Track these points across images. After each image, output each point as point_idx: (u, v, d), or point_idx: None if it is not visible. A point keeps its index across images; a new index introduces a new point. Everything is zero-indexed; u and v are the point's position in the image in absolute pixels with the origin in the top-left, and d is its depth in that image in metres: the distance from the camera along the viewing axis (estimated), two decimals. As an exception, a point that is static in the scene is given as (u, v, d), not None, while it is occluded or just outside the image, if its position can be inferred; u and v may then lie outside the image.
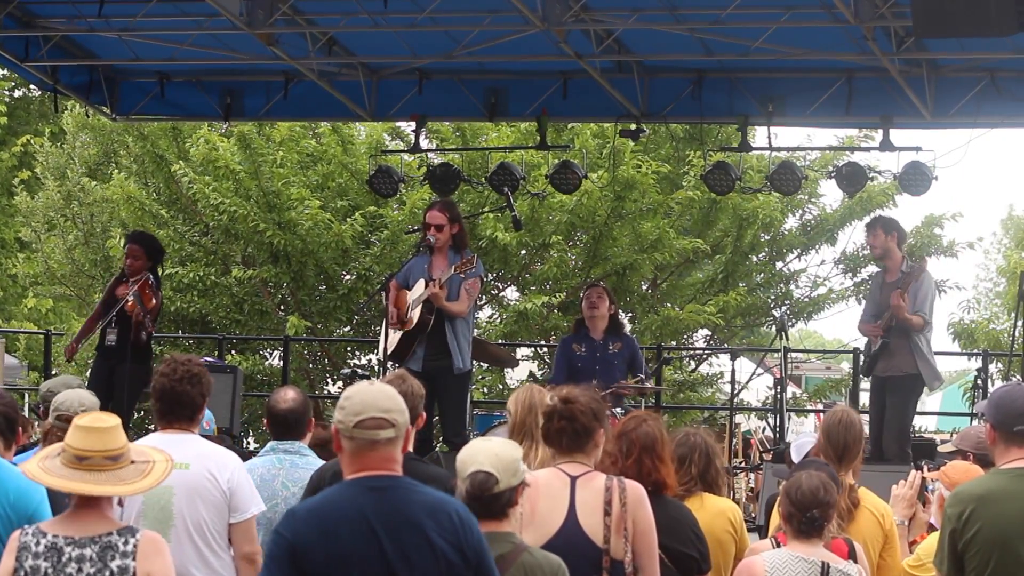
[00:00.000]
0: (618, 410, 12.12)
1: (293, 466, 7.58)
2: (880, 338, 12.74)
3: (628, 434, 6.71)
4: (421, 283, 12.10)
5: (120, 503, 6.56)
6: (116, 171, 21.62)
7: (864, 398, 14.73)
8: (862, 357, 13.39)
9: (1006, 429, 6.26)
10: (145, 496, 6.67)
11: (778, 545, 6.59)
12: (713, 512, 7.23)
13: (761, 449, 19.91)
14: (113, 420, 5.31)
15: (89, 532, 5.20)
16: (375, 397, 5.10)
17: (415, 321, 12.09)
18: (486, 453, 5.59)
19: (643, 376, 12.85)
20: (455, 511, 5.06)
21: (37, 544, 5.19)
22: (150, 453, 5.39)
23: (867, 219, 21.18)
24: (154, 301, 13.14)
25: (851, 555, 6.65)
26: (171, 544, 6.64)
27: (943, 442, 13.23)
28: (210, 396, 7.03)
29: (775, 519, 7.17)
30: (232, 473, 6.84)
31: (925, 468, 8.23)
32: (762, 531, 8.45)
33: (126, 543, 5.20)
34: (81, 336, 13.83)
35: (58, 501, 5.87)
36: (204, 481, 6.76)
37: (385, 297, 12.82)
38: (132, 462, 5.29)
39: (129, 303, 12.90)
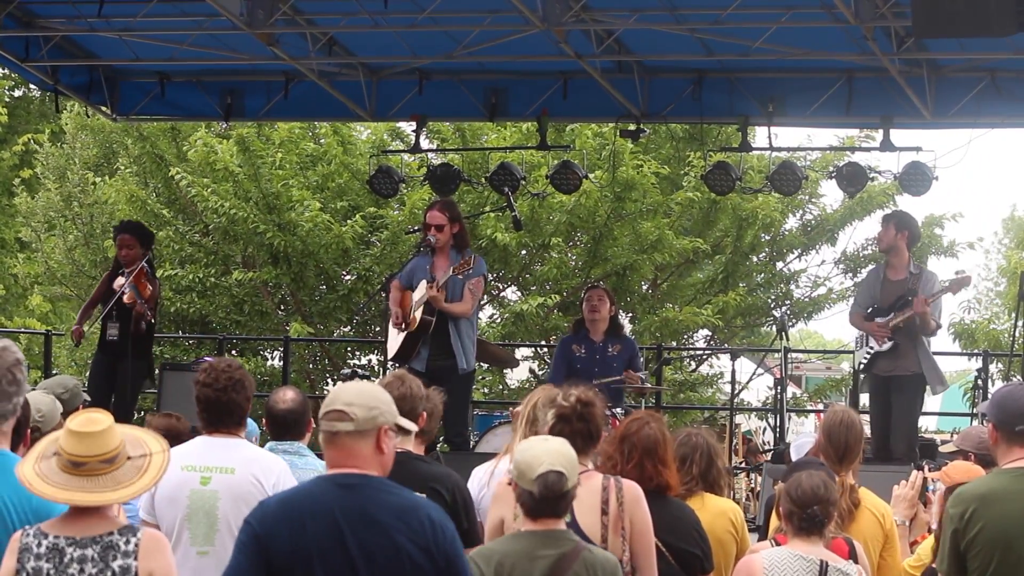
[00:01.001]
0: (618, 410, 12.11)
1: (292, 466, 7.55)
2: (888, 339, 12.70)
3: (630, 437, 6.70)
4: (423, 284, 12.11)
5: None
6: (115, 172, 21.63)
7: (864, 398, 14.70)
8: (856, 355, 13.24)
9: (1008, 429, 6.26)
10: (190, 500, 6.69)
11: (777, 545, 6.59)
12: (714, 512, 7.22)
13: (759, 450, 19.89)
14: (106, 420, 5.24)
15: (90, 532, 5.18)
16: (344, 391, 5.12)
17: (417, 322, 12.11)
18: (552, 453, 5.63)
19: (643, 376, 12.85)
20: (427, 514, 5.05)
21: (39, 545, 5.16)
22: (147, 443, 5.33)
23: (868, 219, 21.30)
24: (150, 288, 13.14)
25: (851, 555, 6.64)
26: (216, 548, 6.65)
27: (943, 442, 13.20)
28: (252, 397, 6.99)
29: (775, 519, 7.17)
30: (278, 478, 6.79)
31: (926, 468, 8.22)
32: (762, 531, 8.45)
33: (127, 542, 5.18)
34: (82, 318, 13.80)
35: None
36: (249, 486, 6.72)
37: (386, 297, 12.99)
38: (129, 458, 5.25)
39: (127, 295, 12.91)
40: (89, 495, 5.14)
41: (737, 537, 7.28)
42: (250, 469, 6.76)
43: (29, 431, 6.58)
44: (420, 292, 12.10)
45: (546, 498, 5.60)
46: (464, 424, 12.35)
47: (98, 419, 5.23)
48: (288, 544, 4.98)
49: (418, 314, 12.08)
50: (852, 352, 13.48)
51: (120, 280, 13.10)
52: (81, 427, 5.19)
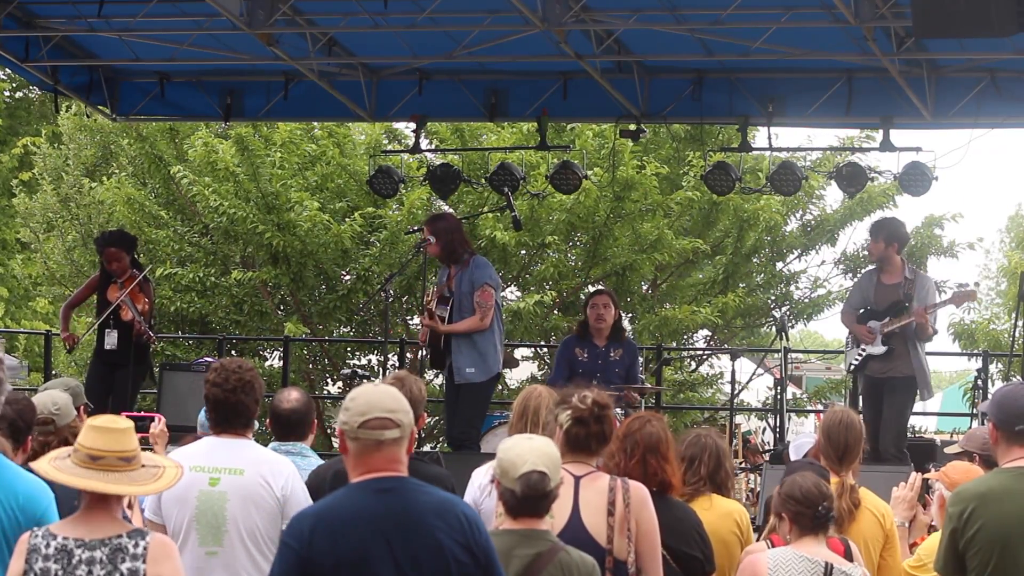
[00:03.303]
0: (618, 411, 12.11)
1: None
2: (881, 343, 12.74)
3: (632, 435, 6.72)
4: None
5: (130, 506, 6.53)
6: (112, 174, 21.62)
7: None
8: (848, 355, 13.24)
9: (1008, 429, 6.28)
10: (199, 502, 6.70)
11: (772, 546, 6.60)
12: (721, 513, 7.26)
13: (758, 451, 19.89)
14: (126, 422, 5.34)
15: (99, 534, 5.20)
16: (380, 398, 5.11)
17: (427, 339, 12.50)
18: (536, 453, 5.62)
19: (641, 379, 12.89)
20: (462, 512, 5.08)
21: (47, 546, 5.19)
22: (161, 461, 5.42)
23: (868, 220, 21.26)
24: (146, 301, 13.19)
25: (847, 555, 6.65)
26: (224, 550, 6.65)
27: (943, 443, 13.22)
28: (262, 398, 6.99)
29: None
30: (287, 480, 6.79)
31: (933, 470, 8.22)
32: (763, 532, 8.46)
33: (136, 545, 5.20)
34: (65, 321, 13.90)
35: (66, 504, 5.86)
36: (258, 488, 6.72)
37: (385, 297, 13.86)
38: (143, 466, 5.31)
39: (124, 312, 12.95)
40: (105, 484, 5.17)
41: (742, 539, 7.30)
42: (259, 470, 6.77)
43: (30, 438, 6.58)
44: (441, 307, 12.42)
45: (528, 497, 5.58)
46: (468, 428, 12.39)
47: (120, 420, 5.32)
48: (331, 556, 4.95)
49: (426, 333, 12.49)
50: (844, 352, 13.50)
51: (115, 291, 13.13)
52: (103, 423, 5.27)
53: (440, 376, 19.50)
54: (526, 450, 5.63)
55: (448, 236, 12.37)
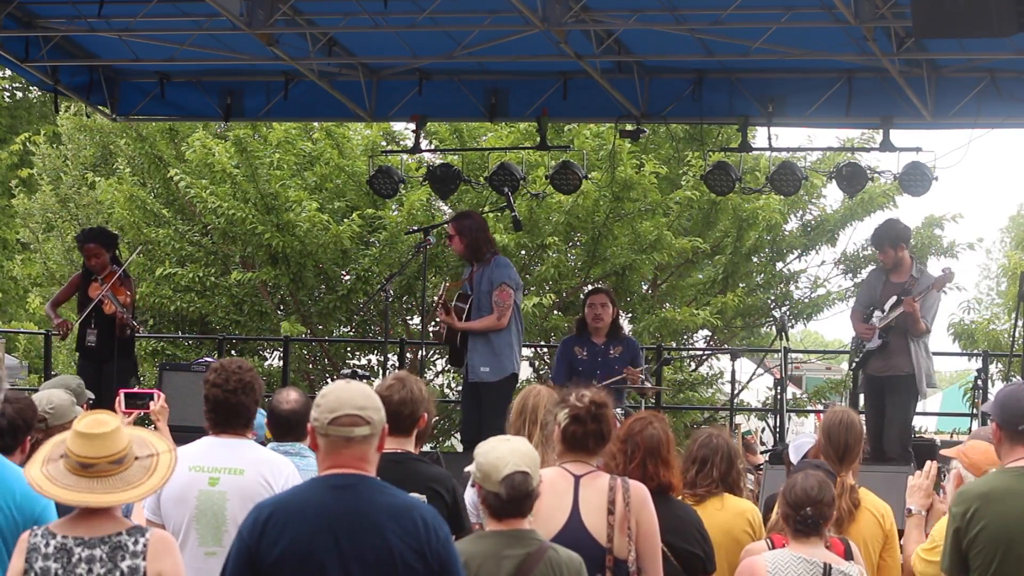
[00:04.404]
0: (618, 411, 12.09)
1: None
2: (878, 336, 12.76)
3: (633, 437, 6.73)
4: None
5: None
6: (111, 174, 21.61)
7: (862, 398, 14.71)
8: (852, 354, 13.34)
9: (1011, 428, 6.29)
10: (198, 501, 6.70)
11: (773, 546, 6.61)
12: (734, 512, 7.31)
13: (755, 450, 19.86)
14: (113, 422, 5.27)
15: (99, 532, 5.20)
16: (351, 395, 5.12)
17: (444, 335, 12.61)
18: (516, 454, 5.64)
19: (644, 374, 12.88)
20: (420, 515, 5.06)
21: (47, 545, 5.18)
22: (153, 443, 5.36)
23: (868, 220, 21.25)
24: (128, 294, 13.30)
25: (847, 555, 6.66)
26: (224, 549, 6.59)
27: (943, 443, 13.23)
28: (261, 399, 6.98)
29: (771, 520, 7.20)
30: (287, 480, 6.78)
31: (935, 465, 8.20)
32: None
33: (136, 543, 5.20)
34: (53, 311, 13.98)
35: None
36: (258, 487, 6.71)
37: (386, 297, 13.93)
38: (136, 458, 5.27)
39: (107, 305, 13.04)
40: (100, 496, 5.15)
41: (754, 537, 7.31)
42: (259, 470, 6.77)
43: (28, 438, 6.57)
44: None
45: (513, 499, 5.61)
46: (474, 429, 12.40)
47: (105, 420, 5.25)
48: (277, 548, 4.99)
49: (443, 328, 12.59)
50: (849, 352, 13.54)
51: (96, 288, 13.21)
52: (88, 429, 5.20)
53: (440, 376, 19.61)
54: (506, 452, 5.65)
55: (473, 234, 12.49)
